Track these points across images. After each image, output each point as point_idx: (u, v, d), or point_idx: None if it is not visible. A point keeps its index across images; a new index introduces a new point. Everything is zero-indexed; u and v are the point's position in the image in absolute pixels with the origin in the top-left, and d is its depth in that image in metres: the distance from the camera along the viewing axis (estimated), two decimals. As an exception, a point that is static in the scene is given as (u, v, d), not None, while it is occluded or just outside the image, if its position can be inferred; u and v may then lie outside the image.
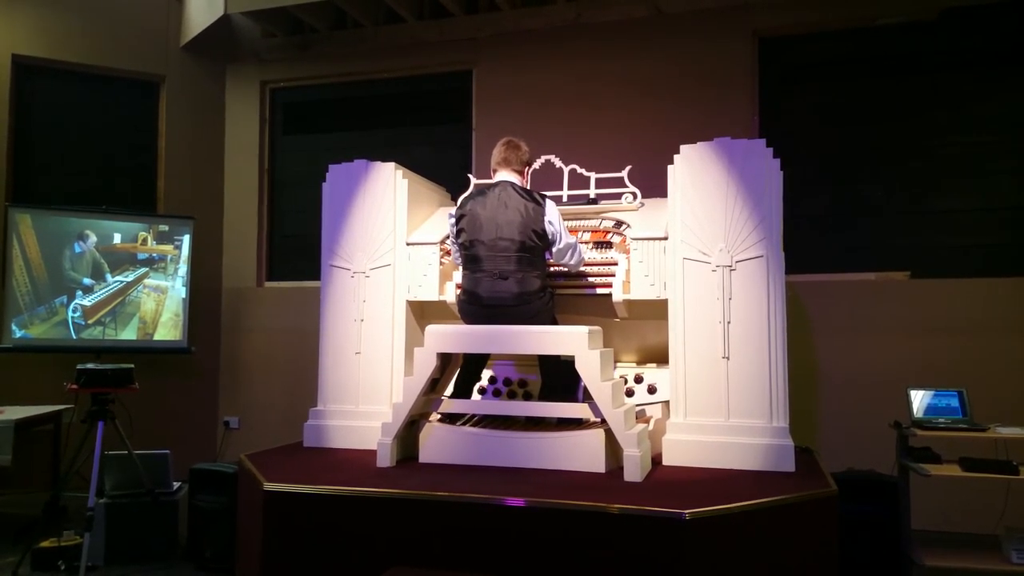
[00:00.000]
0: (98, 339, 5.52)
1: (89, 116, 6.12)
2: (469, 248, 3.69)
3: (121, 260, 5.68)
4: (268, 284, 6.41)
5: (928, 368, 4.62)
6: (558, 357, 3.66)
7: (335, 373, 4.23)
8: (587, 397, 3.46)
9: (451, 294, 4.07)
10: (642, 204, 4.18)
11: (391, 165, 4.29)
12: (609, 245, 4.07)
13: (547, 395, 3.81)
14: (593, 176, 4.29)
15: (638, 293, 3.83)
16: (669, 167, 3.80)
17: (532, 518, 2.83)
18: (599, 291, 3.91)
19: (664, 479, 3.31)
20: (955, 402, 3.93)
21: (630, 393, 4.04)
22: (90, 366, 4.22)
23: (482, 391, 4.29)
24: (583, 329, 3.39)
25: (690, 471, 3.46)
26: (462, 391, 3.91)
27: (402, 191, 4.26)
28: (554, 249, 3.72)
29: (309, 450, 4.10)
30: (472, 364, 3.95)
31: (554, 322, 3.74)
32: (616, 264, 3.92)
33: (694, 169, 3.74)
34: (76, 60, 5.98)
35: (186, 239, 5.85)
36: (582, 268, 3.96)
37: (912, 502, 3.91)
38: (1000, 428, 3.77)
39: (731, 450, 3.52)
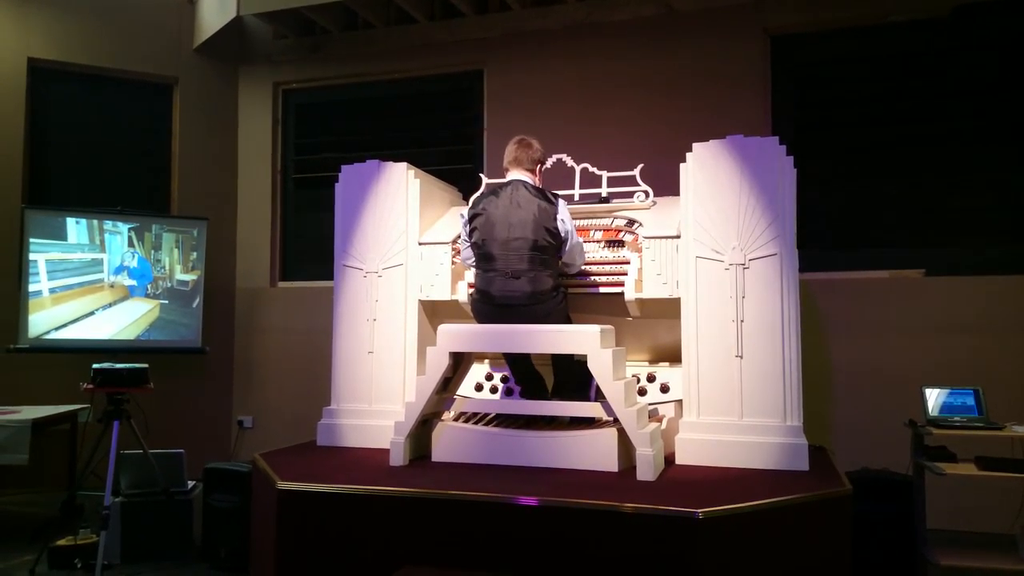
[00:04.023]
0: (114, 339, 5.56)
1: (103, 118, 6.16)
2: (482, 247, 3.69)
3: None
4: (281, 284, 6.43)
5: (943, 366, 4.58)
6: (571, 356, 3.66)
7: (348, 372, 4.25)
8: (600, 396, 3.46)
9: (463, 293, 4.08)
10: (654, 203, 4.18)
11: (403, 165, 4.30)
12: (621, 244, 4.06)
13: (560, 394, 3.81)
14: (605, 175, 4.29)
15: (650, 292, 3.82)
16: (681, 165, 3.79)
17: (545, 517, 2.83)
18: (612, 290, 3.90)
19: (677, 478, 3.31)
20: (971, 400, 3.90)
21: (643, 392, 4.03)
22: (105, 366, 4.25)
23: (494, 390, 4.29)
24: (595, 328, 3.39)
25: (703, 470, 3.46)
26: (529, 390, 3.94)
27: (414, 191, 4.27)
28: (565, 249, 3.72)
29: (322, 449, 4.12)
30: (516, 365, 3.95)
31: (567, 321, 3.74)
32: (628, 263, 3.92)
33: (706, 167, 3.73)
34: (90, 63, 6.03)
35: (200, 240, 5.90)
36: (594, 267, 3.97)
37: (927, 501, 3.89)
38: (1016, 427, 3.74)
39: (744, 449, 3.51)
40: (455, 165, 5.80)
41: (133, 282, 5.70)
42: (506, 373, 4.26)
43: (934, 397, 3.92)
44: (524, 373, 3.96)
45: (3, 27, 5.75)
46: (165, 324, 5.77)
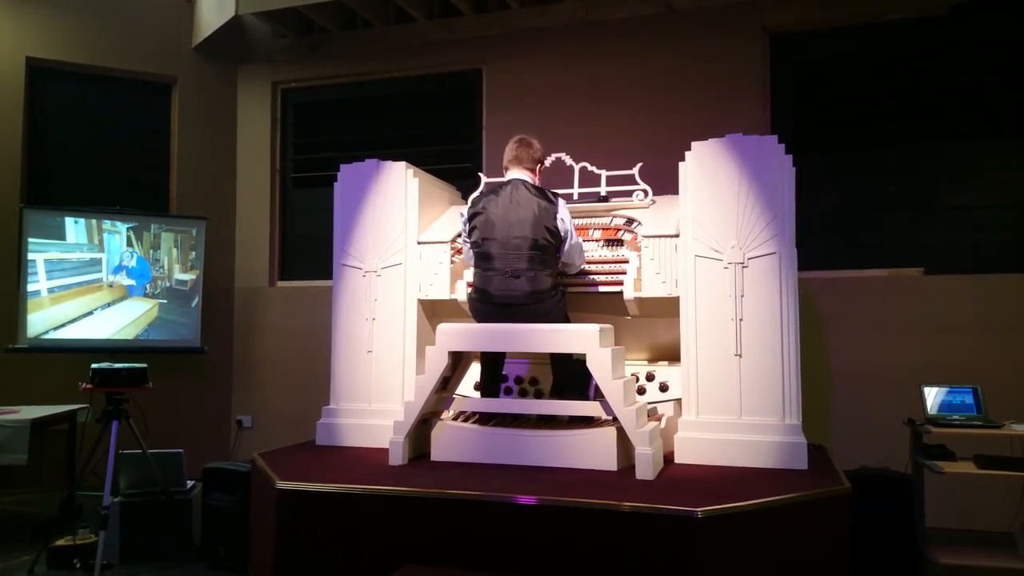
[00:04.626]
0: (113, 339, 5.56)
1: (102, 118, 6.16)
2: (481, 246, 3.69)
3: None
4: (280, 284, 6.43)
5: (942, 365, 4.59)
6: (570, 355, 3.66)
7: (347, 372, 4.25)
8: (599, 395, 3.46)
9: (462, 292, 4.07)
10: (653, 202, 4.18)
11: (402, 164, 4.30)
12: (620, 243, 4.06)
13: (558, 393, 3.81)
14: (604, 174, 4.29)
15: (649, 291, 3.82)
16: (680, 164, 3.79)
17: (544, 516, 2.83)
18: (610, 289, 3.90)
19: (676, 477, 3.31)
20: (969, 399, 3.90)
21: (642, 391, 4.03)
22: (104, 366, 4.24)
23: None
24: (594, 327, 3.39)
25: (702, 469, 3.46)
26: (489, 391, 3.92)
27: (413, 190, 4.27)
28: (564, 248, 3.72)
29: (322, 448, 4.12)
30: (492, 364, 3.95)
31: (566, 320, 3.74)
32: (627, 262, 3.92)
33: (705, 166, 3.73)
34: (89, 62, 6.02)
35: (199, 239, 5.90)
36: (593, 266, 3.97)
37: (926, 500, 3.89)
38: (1015, 425, 3.74)
39: (744, 448, 3.51)
40: (454, 164, 5.80)
41: (132, 282, 5.70)
42: (505, 372, 4.26)
43: (933, 395, 3.92)
44: (492, 375, 3.95)
45: (1, 26, 5.74)
46: (164, 324, 5.76)
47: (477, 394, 4.28)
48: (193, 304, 5.86)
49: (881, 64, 5.13)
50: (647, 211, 4.11)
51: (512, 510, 2.87)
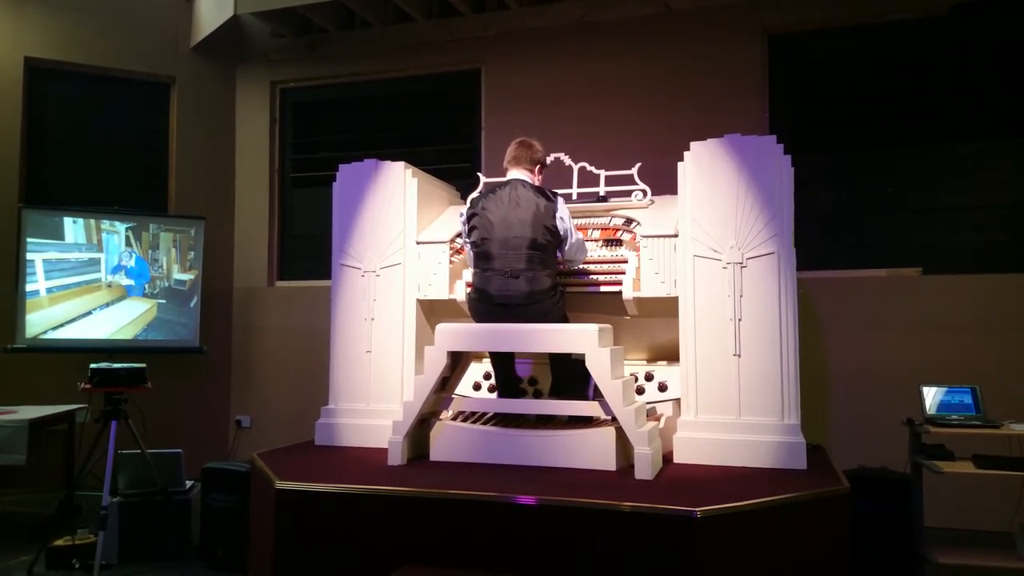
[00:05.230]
0: (111, 339, 5.55)
1: (101, 117, 6.15)
2: (480, 246, 3.69)
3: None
4: (279, 283, 6.43)
5: (941, 365, 4.59)
6: (568, 355, 3.66)
7: (346, 372, 4.24)
8: (597, 395, 3.46)
9: (461, 292, 4.07)
10: (652, 202, 4.18)
11: (401, 164, 4.30)
12: (619, 243, 4.06)
13: (557, 393, 3.81)
14: (603, 174, 4.29)
15: (648, 291, 3.82)
16: (679, 164, 3.79)
17: (543, 516, 2.83)
18: (609, 289, 3.90)
19: (675, 477, 3.31)
20: (968, 399, 3.90)
21: (640, 391, 4.04)
22: (103, 366, 4.24)
23: (492, 389, 4.29)
24: (593, 327, 3.39)
25: (701, 469, 3.46)
26: (507, 392, 3.92)
27: (412, 190, 4.27)
28: (565, 247, 3.72)
29: (321, 448, 4.11)
30: (502, 365, 3.94)
31: (564, 320, 3.74)
32: (626, 262, 3.91)
33: (704, 166, 3.73)
34: (87, 62, 6.01)
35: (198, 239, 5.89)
36: (592, 266, 3.97)
37: (925, 499, 3.89)
38: (1014, 425, 3.74)
39: (742, 448, 3.51)
40: (453, 164, 5.80)
41: (131, 281, 5.70)
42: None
43: (932, 395, 3.92)
44: (506, 375, 3.95)
45: (0, 26, 5.75)
46: (163, 324, 5.76)
47: (476, 394, 4.29)
48: (192, 304, 5.86)
49: (880, 64, 5.13)
50: (646, 211, 4.11)
51: (511, 510, 2.87)
